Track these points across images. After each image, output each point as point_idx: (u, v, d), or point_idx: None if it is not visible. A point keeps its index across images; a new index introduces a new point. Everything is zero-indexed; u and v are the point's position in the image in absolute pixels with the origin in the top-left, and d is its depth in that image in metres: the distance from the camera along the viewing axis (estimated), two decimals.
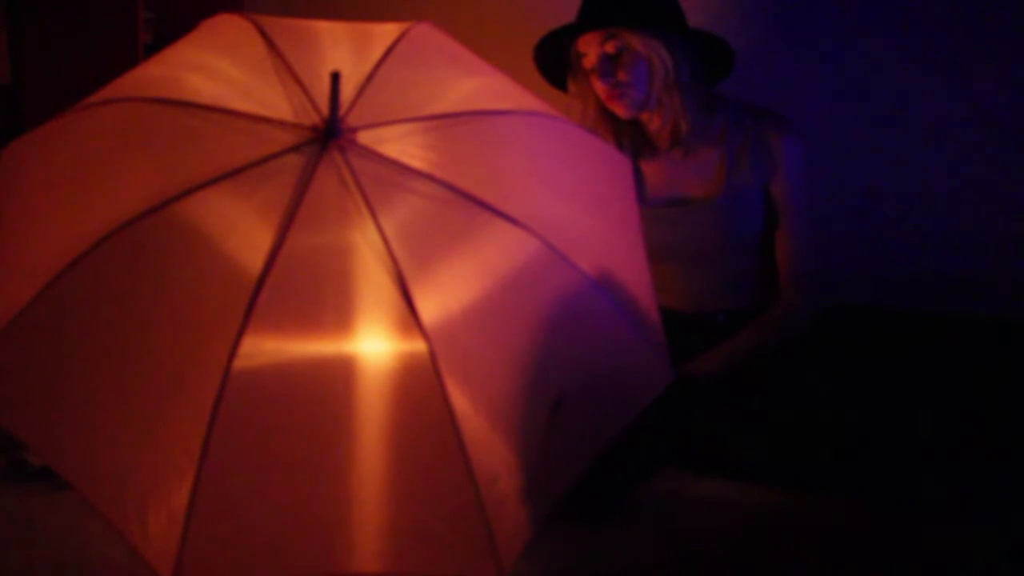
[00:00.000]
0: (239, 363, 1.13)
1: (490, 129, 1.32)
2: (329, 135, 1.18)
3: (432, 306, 1.17)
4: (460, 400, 1.17)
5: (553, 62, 1.86)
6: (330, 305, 1.17)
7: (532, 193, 1.30)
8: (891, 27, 2.09)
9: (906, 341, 2.06)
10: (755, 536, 1.50)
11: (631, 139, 1.87)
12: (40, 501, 1.54)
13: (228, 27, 1.36)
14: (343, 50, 1.31)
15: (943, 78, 2.06)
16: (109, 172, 1.24)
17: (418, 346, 1.16)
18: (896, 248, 2.14)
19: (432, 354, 1.16)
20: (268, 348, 1.15)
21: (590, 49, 1.77)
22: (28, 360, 1.22)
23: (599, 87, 1.79)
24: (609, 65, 1.75)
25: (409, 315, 1.15)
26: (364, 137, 1.20)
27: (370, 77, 1.26)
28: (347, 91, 1.22)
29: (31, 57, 2.54)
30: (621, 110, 1.80)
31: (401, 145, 1.21)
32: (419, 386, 1.17)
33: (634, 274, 1.43)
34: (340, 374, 1.18)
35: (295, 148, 1.18)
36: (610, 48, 1.74)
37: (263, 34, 1.29)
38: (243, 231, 1.16)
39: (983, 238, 2.08)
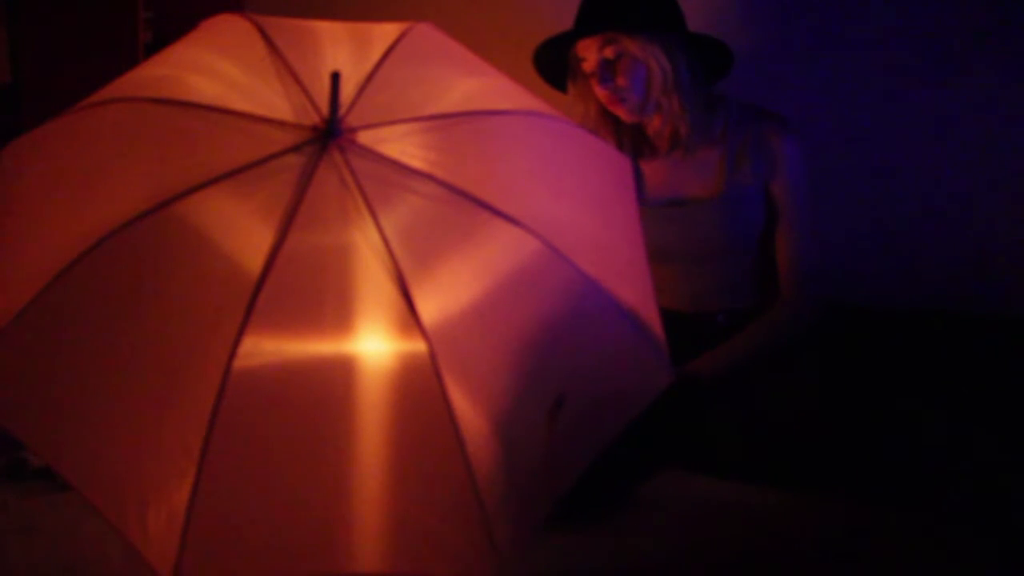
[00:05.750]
0: (239, 363, 1.12)
1: (490, 129, 1.32)
2: (329, 135, 1.18)
3: (432, 306, 1.17)
4: (460, 400, 1.18)
5: (552, 65, 1.86)
6: (330, 305, 1.17)
7: (532, 193, 1.30)
8: (889, 27, 2.09)
9: (906, 341, 2.06)
10: (755, 536, 1.50)
11: (631, 139, 1.87)
12: (40, 501, 1.54)
13: (228, 27, 1.36)
14: (343, 50, 1.31)
15: (941, 77, 2.06)
16: (109, 172, 1.24)
17: (418, 346, 1.16)
18: (896, 248, 2.14)
19: (432, 354, 1.16)
20: (268, 348, 1.15)
21: (589, 54, 1.77)
22: (28, 360, 1.22)
23: (600, 92, 1.79)
24: (608, 70, 1.75)
25: (409, 315, 1.15)
26: (364, 137, 1.20)
27: (370, 77, 1.26)
28: (347, 91, 1.22)
29: (31, 57, 2.54)
30: (623, 114, 1.80)
31: (401, 145, 1.21)
32: (419, 386, 1.17)
33: (634, 274, 1.43)
34: (340, 374, 1.18)
35: (295, 148, 1.18)
36: (608, 53, 1.74)
37: (263, 34, 1.29)
38: (243, 231, 1.16)
39: (983, 238, 2.08)
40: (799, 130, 1.84)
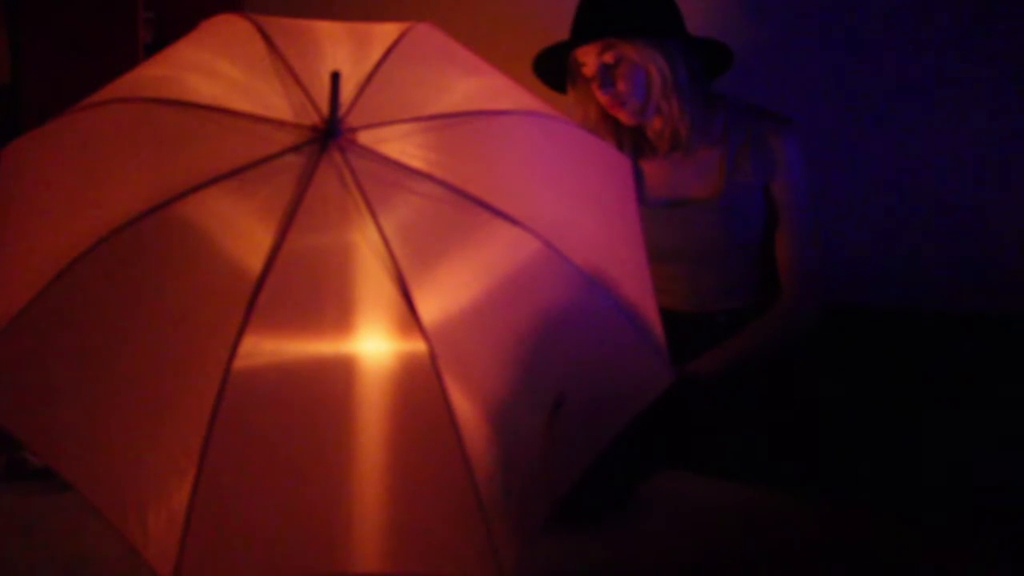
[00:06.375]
0: (239, 363, 1.12)
1: (490, 129, 1.32)
2: (329, 135, 1.18)
3: (432, 306, 1.17)
4: (460, 400, 1.17)
5: (552, 67, 1.86)
6: (330, 305, 1.17)
7: (532, 193, 1.30)
8: (890, 27, 2.09)
9: (906, 341, 2.06)
10: (755, 536, 1.50)
11: (631, 140, 1.87)
12: (40, 501, 1.54)
13: (228, 27, 1.35)
14: (343, 50, 1.31)
15: (942, 77, 2.06)
16: (109, 172, 1.24)
17: (418, 346, 1.16)
18: (896, 248, 2.14)
19: (432, 354, 1.16)
20: (268, 348, 1.15)
21: (588, 59, 1.77)
22: (28, 360, 1.22)
23: (600, 97, 1.79)
24: (608, 75, 1.75)
25: (409, 315, 1.15)
26: (364, 137, 1.20)
27: (370, 77, 1.26)
28: (347, 91, 1.22)
29: (31, 57, 2.53)
30: (624, 118, 1.80)
31: (401, 145, 1.21)
32: (419, 386, 1.17)
33: (634, 274, 1.43)
34: (340, 374, 1.18)
35: (295, 148, 1.18)
36: (608, 58, 1.74)
37: (263, 34, 1.29)
38: (243, 231, 1.16)
39: (983, 237, 2.08)
40: (799, 130, 1.84)
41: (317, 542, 1.21)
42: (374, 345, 1.18)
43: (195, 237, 1.16)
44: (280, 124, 1.19)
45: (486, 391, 1.21)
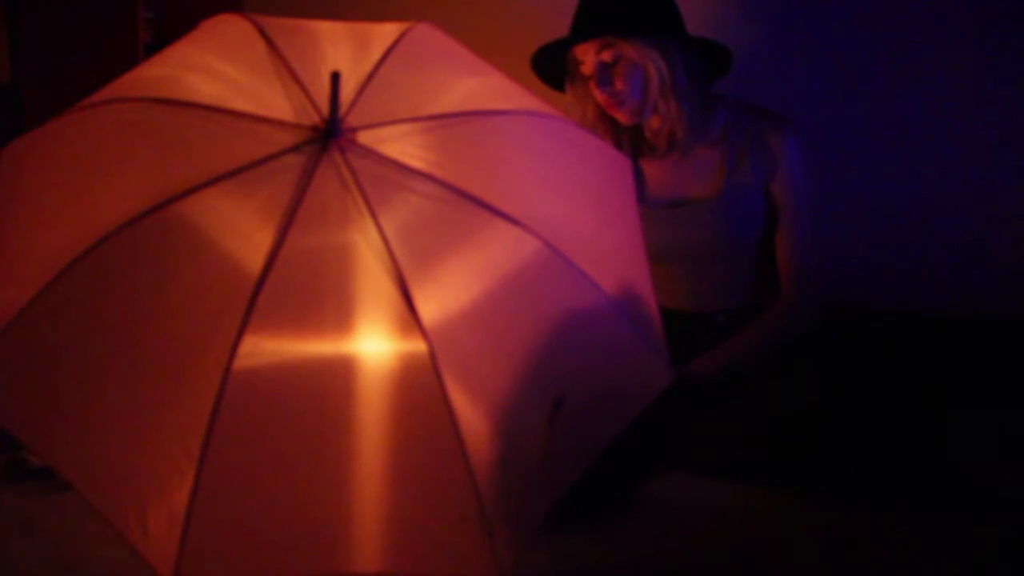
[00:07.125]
0: (239, 363, 1.13)
1: (490, 129, 1.32)
2: (329, 135, 1.18)
3: (432, 306, 1.17)
4: (460, 400, 1.18)
5: (550, 66, 1.86)
6: (330, 305, 1.18)
7: (532, 193, 1.30)
8: (891, 27, 2.09)
9: (906, 341, 2.06)
10: (754, 537, 1.50)
11: (630, 140, 1.87)
12: (40, 501, 1.54)
13: (228, 27, 1.36)
14: (343, 50, 1.31)
15: (943, 78, 2.06)
16: (109, 172, 1.24)
17: (418, 346, 1.16)
18: (896, 248, 2.14)
19: (432, 354, 1.16)
20: (268, 348, 1.15)
21: (586, 57, 1.76)
22: (28, 360, 1.22)
23: (598, 96, 1.79)
24: (606, 74, 1.75)
25: (409, 315, 1.15)
26: (364, 137, 1.20)
27: (370, 77, 1.26)
28: (347, 91, 1.22)
29: (31, 57, 2.54)
30: (621, 117, 1.80)
31: (401, 145, 1.21)
32: (419, 386, 1.17)
33: (634, 274, 1.43)
34: (340, 374, 1.18)
35: (295, 148, 1.18)
36: (606, 57, 1.74)
37: (263, 34, 1.29)
38: (243, 231, 1.16)
39: (983, 237, 2.08)
40: (799, 130, 1.84)
41: (317, 542, 1.21)
42: (374, 345, 1.18)
43: (195, 237, 1.16)
44: (280, 124, 1.20)
45: (486, 391, 1.21)
